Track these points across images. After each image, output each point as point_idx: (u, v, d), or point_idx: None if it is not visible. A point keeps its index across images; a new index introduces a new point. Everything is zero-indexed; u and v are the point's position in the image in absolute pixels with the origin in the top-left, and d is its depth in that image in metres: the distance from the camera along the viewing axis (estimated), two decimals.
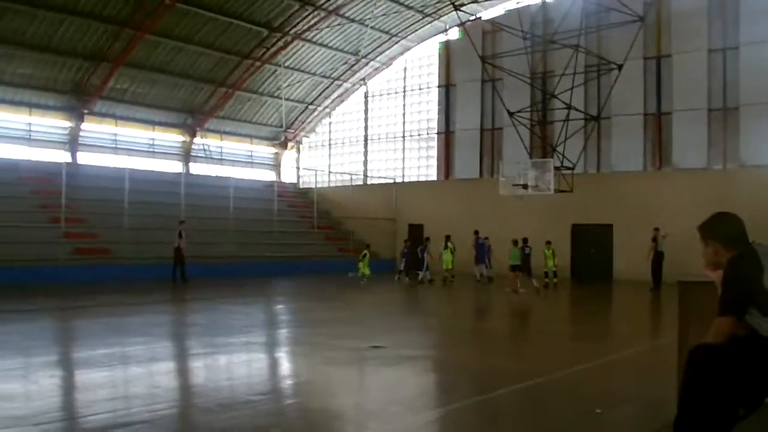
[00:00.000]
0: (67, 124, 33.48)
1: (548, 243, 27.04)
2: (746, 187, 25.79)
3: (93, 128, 34.36)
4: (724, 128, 28.66)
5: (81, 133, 33.91)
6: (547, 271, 27.04)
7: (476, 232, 28.82)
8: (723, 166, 28.57)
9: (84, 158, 34.07)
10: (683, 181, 28.37)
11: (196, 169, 38.55)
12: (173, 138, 37.96)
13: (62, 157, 33.10)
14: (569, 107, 27.32)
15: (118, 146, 35.51)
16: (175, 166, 37.80)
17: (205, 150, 38.87)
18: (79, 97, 32.55)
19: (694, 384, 3.82)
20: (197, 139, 38.34)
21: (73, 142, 33.79)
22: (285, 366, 10.92)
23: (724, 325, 3.86)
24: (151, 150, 37.03)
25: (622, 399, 7.94)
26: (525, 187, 27.48)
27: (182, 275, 25.27)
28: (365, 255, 27.77)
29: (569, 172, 28.10)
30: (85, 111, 33.03)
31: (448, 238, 28.05)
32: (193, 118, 37.37)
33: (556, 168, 27.58)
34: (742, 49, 28.09)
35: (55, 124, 33.36)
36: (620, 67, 27.69)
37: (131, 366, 10.07)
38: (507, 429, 6.92)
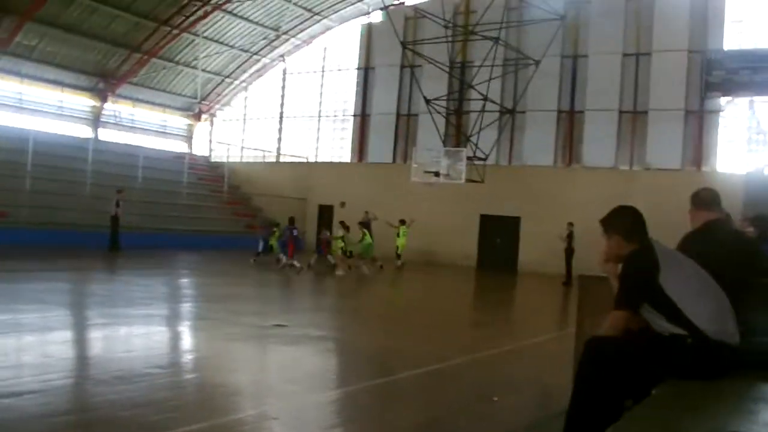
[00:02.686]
0: None
1: (402, 222, 27.72)
2: (649, 188, 26.61)
3: None
4: (632, 130, 29.51)
5: None
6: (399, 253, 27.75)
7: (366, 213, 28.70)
8: (629, 166, 29.43)
9: None
10: (591, 179, 29.09)
11: (106, 135, 37.39)
12: (83, 101, 36.65)
13: None
14: (485, 99, 27.66)
15: (23, 106, 34.08)
16: (83, 131, 36.58)
17: (116, 116, 37.77)
18: None
19: (587, 374, 3.91)
20: (108, 105, 37.18)
21: None
22: (185, 340, 10.77)
23: (618, 318, 3.96)
24: (59, 113, 35.69)
25: (519, 386, 8.12)
26: (437, 174, 27.69)
27: (115, 244, 25.28)
28: (275, 232, 27.18)
29: (481, 162, 28.48)
30: None
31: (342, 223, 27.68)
32: (105, 82, 36.17)
33: (469, 158, 27.91)
34: (653, 55, 28.96)
35: None
36: (538, 63, 28.23)
37: (24, 334, 9.72)
38: (403, 412, 6.98)
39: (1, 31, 30.54)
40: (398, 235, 27.88)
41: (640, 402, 3.62)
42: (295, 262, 22.91)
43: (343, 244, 24.96)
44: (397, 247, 27.84)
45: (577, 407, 3.93)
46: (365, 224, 26.46)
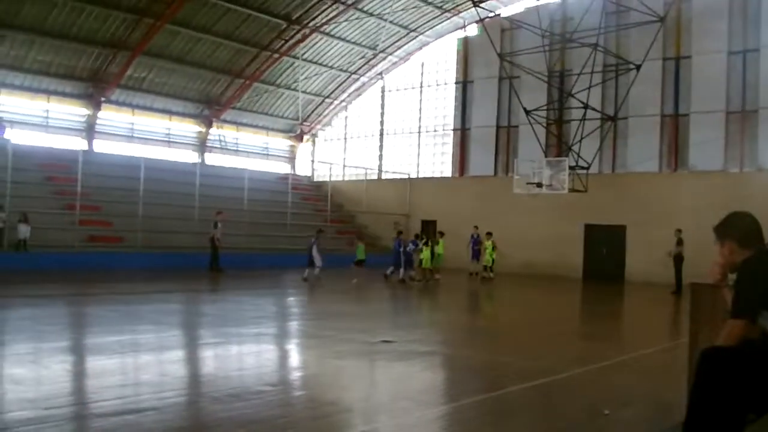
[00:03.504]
0: (85, 111, 33.62)
1: (489, 234, 27.53)
2: (763, 190, 25.58)
3: (110, 116, 34.51)
4: (741, 131, 28.46)
5: (98, 121, 34.06)
6: (486, 265, 27.72)
7: (475, 228, 28.84)
8: (740, 168, 28.38)
9: (100, 146, 34.22)
10: (699, 183, 28.20)
11: (212, 159, 38.62)
12: (189, 128, 38.04)
13: (79, 144, 33.27)
14: (586, 107, 27.20)
15: (134, 135, 35.66)
16: (190, 156, 37.89)
17: (221, 141, 38.97)
18: (97, 85, 32.67)
19: (704, 387, 3.79)
20: (213, 130, 38.43)
21: (90, 130, 33.95)
22: (295, 358, 10.95)
23: (736, 327, 3.82)
24: (167, 140, 37.15)
25: (631, 400, 7.91)
26: (539, 185, 27.37)
27: (215, 264, 26.03)
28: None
29: (584, 171, 27.97)
30: (103, 99, 33.17)
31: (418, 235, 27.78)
32: (209, 108, 37.45)
33: (571, 167, 27.47)
34: (762, 51, 27.89)
35: (73, 111, 33.52)
36: (638, 67, 27.53)
37: (142, 353, 10.12)
38: (514, 427, 6.91)
39: (114, 66, 32.09)
40: (492, 249, 27.71)
41: (763, 416, 3.49)
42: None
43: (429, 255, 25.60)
44: (492, 261, 27.68)
45: (695, 422, 3.81)
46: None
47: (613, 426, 6.84)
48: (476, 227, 28.61)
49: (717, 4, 28.83)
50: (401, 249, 25.25)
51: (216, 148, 38.92)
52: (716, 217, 4.28)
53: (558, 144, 30.77)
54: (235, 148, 39.80)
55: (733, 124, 28.70)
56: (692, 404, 3.87)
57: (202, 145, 38.47)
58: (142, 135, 35.99)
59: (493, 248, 27.74)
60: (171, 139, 37.29)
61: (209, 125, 38.04)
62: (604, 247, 30.67)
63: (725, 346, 3.81)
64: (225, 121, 38.69)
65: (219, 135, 38.86)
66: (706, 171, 28.59)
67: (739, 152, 28.49)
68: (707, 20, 29.00)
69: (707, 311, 5.61)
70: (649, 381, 9.17)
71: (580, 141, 27.80)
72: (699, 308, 5.89)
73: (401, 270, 24.98)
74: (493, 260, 27.77)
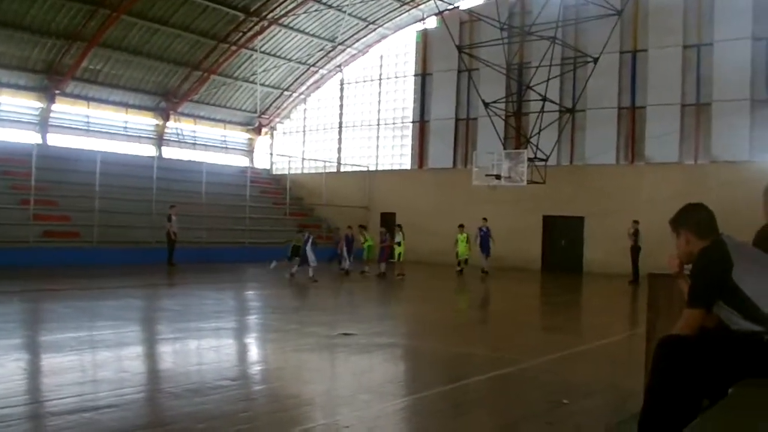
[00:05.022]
0: (39, 104, 32.91)
1: (461, 227, 27.33)
2: (717, 182, 26.02)
3: (65, 109, 33.83)
4: (696, 123, 28.89)
5: (52, 114, 33.37)
6: (460, 259, 27.42)
7: (484, 220, 28.44)
8: (694, 161, 28.81)
9: (55, 140, 33.55)
10: (655, 175, 28.59)
11: (169, 153, 38.18)
12: (146, 121, 37.53)
13: (33, 138, 32.60)
14: (544, 99, 27.37)
15: (90, 128, 35.04)
16: (147, 150, 37.40)
17: (178, 134, 38.54)
18: (51, 77, 32.00)
19: (661, 375, 3.83)
20: (171, 123, 37.98)
21: (44, 123, 33.25)
22: (255, 352, 10.90)
23: (692, 317, 3.87)
24: (123, 133, 36.59)
25: (590, 389, 8.01)
26: (498, 177, 27.53)
27: (170, 259, 25.64)
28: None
29: (542, 163, 28.19)
30: (57, 91, 32.50)
31: (399, 227, 27.31)
32: (167, 101, 36.98)
33: (530, 159, 27.67)
34: (716, 46, 28.29)
35: (26, 104, 32.77)
36: (596, 60, 27.79)
37: (100, 350, 9.98)
38: (475, 417, 6.95)
39: (69, 58, 31.50)
40: (466, 241, 27.53)
41: (716, 402, 3.54)
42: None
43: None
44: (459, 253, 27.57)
45: (652, 408, 3.86)
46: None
47: (574, 416, 6.91)
48: (485, 219, 28.20)
49: (672, 0, 29.19)
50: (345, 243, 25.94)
51: (173, 141, 38.47)
52: (672, 208, 4.33)
53: (517, 136, 30.94)
54: (193, 142, 39.39)
55: (688, 117, 29.11)
56: (649, 391, 3.91)
57: (159, 138, 37.98)
58: (98, 128, 35.33)
59: (467, 240, 27.59)
60: (128, 133, 36.73)
61: (166, 118, 37.57)
62: (563, 239, 30.98)
63: (682, 335, 3.86)
64: (182, 114, 38.25)
65: (176, 128, 38.43)
66: (663, 163, 28.98)
67: (693, 144, 28.90)
68: (663, 15, 29.33)
69: (664, 301, 5.68)
70: (607, 370, 9.30)
71: (539, 133, 27.98)
72: (656, 298, 5.97)
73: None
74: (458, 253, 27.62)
